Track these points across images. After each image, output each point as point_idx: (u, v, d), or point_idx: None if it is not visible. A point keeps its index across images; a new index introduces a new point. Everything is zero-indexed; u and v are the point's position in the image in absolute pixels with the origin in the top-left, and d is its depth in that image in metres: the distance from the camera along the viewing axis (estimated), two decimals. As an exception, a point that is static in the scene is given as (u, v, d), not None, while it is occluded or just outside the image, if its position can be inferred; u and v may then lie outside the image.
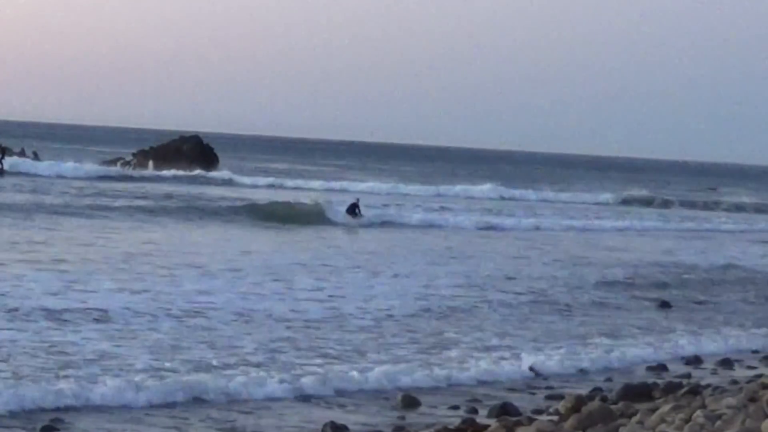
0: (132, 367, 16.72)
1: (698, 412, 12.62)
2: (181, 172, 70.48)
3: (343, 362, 18.20)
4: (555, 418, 14.55)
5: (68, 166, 67.69)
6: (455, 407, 16.01)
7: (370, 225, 46.49)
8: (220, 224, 42.26)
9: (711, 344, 22.22)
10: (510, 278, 30.25)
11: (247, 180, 72.20)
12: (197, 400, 15.45)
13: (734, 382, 17.82)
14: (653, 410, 13.67)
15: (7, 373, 15.74)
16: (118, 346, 18.12)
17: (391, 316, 22.88)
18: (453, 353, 19.49)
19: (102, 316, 20.33)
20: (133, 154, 79.90)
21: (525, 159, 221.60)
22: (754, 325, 25.01)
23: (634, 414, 13.77)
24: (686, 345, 21.85)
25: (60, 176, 63.18)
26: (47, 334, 18.57)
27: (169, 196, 52.37)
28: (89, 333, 18.92)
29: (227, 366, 17.26)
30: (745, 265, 38.16)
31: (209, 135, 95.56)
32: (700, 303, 28.38)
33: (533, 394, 17.29)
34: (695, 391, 15.99)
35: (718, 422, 12.08)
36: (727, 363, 20.50)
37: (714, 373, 19.63)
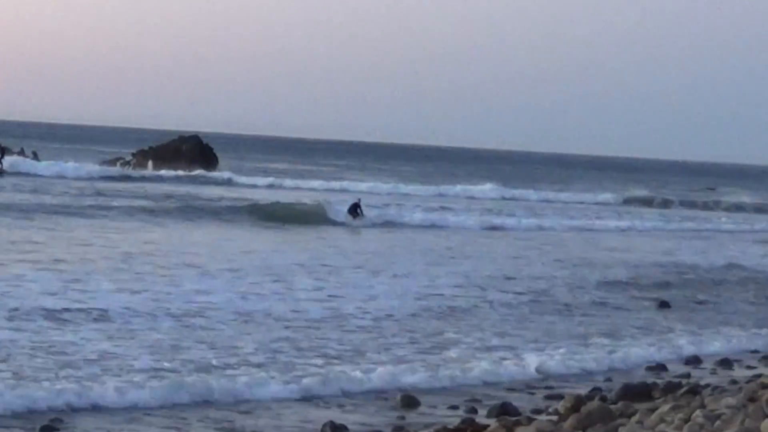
0: (132, 367, 16.73)
1: (697, 412, 12.63)
2: (180, 172, 70.49)
3: (343, 362, 18.21)
4: (554, 417, 14.56)
5: (68, 166, 67.74)
6: (455, 407, 16.02)
7: (371, 225, 46.48)
8: (220, 224, 42.27)
9: (710, 344, 22.22)
10: (510, 278, 30.26)
11: (246, 180, 72.17)
12: (197, 400, 15.46)
13: (733, 382, 17.83)
14: (652, 410, 13.68)
15: (7, 374, 15.75)
16: (117, 346, 18.13)
17: (390, 316, 22.88)
18: (453, 353, 19.50)
19: (102, 316, 20.35)
20: (133, 154, 79.89)
21: (525, 159, 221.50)
22: (753, 325, 25.02)
23: (634, 414, 13.78)
24: (686, 345, 21.86)
25: (60, 176, 63.20)
26: (47, 334, 18.58)
27: (168, 196, 52.38)
28: (89, 333, 18.93)
29: (227, 366, 17.27)
30: (745, 265, 38.15)
31: (209, 135, 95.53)
32: (700, 303, 28.39)
33: (532, 394, 17.30)
34: (694, 390, 16.00)
35: (718, 422, 12.09)
36: (726, 363, 20.51)
37: (713, 373, 19.64)
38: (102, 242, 32.31)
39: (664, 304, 27.18)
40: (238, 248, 33.72)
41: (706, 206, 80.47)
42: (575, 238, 47.43)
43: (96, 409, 14.77)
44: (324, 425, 14.34)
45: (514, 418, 14.49)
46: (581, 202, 75.64)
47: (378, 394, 16.62)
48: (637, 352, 20.75)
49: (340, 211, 47.63)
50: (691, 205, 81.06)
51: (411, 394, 16.38)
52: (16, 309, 20.24)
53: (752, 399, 13.47)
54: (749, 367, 20.19)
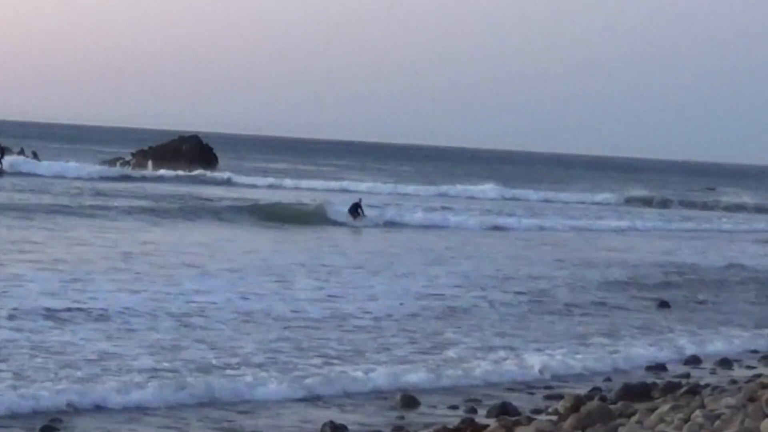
0: (132, 367, 16.73)
1: (697, 412, 12.63)
2: (180, 172, 70.49)
3: (343, 362, 18.21)
4: (554, 417, 14.56)
5: (68, 166, 67.77)
6: (454, 407, 16.02)
7: (371, 225, 46.46)
8: (220, 224, 42.26)
9: (710, 344, 22.21)
10: (510, 278, 30.26)
11: (246, 180, 72.17)
12: (197, 401, 15.46)
13: (733, 381, 17.82)
14: (652, 410, 13.68)
15: (8, 374, 15.75)
16: (117, 346, 18.13)
17: (390, 315, 22.89)
18: (453, 353, 19.50)
19: (102, 316, 20.35)
20: (133, 154, 79.91)
21: (525, 159, 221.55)
22: (753, 325, 25.01)
23: (633, 414, 13.78)
24: (685, 345, 21.85)
25: (59, 176, 63.20)
26: (47, 334, 18.58)
27: (168, 196, 52.38)
28: (89, 333, 18.93)
29: (227, 366, 17.27)
30: (745, 265, 38.15)
31: (209, 135, 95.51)
32: (699, 303, 28.39)
33: (532, 394, 17.30)
34: (694, 390, 16.00)
35: (717, 422, 12.09)
36: (726, 363, 20.51)
37: (713, 372, 19.64)
38: (102, 242, 32.31)
39: (663, 304, 27.18)
40: (238, 248, 33.72)
41: (705, 206, 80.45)
42: (575, 238, 47.43)
43: (96, 409, 14.77)
44: (324, 425, 14.34)
45: (513, 418, 14.49)
46: (581, 202, 75.63)
47: (378, 394, 16.62)
48: (636, 352, 20.75)
49: (341, 211, 47.62)
50: (691, 205, 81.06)
51: (411, 394, 16.38)
52: (16, 309, 20.23)
53: (752, 399, 13.48)
54: (749, 367, 20.19)
